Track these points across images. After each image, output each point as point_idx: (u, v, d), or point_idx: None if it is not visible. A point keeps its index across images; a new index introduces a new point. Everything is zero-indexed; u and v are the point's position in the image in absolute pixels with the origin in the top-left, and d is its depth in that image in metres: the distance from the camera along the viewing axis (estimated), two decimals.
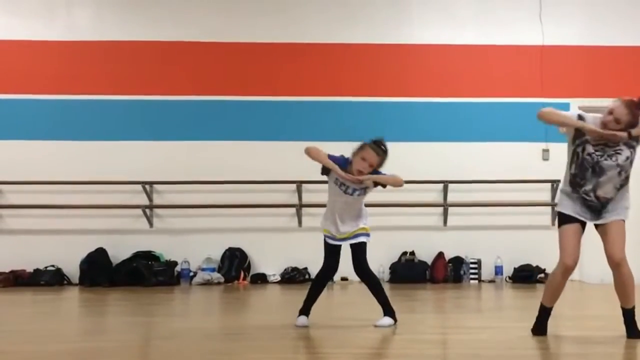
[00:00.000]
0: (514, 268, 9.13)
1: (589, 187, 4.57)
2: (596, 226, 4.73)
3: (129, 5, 9.66)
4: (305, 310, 5.21)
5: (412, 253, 9.25)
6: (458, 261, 9.20)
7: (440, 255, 9.24)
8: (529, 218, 9.33)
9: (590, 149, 4.57)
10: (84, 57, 9.51)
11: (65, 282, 9.02)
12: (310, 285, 5.38)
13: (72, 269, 9.02)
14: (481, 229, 9.32)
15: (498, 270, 9.17)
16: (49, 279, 8.84)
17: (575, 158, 4.62)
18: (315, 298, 5.26)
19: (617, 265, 4.57)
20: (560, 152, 8.60)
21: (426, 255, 9.28)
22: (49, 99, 9.44)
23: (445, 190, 9.36)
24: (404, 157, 9.40)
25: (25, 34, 9.50)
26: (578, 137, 4.62)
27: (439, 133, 9.49)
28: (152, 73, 9.55)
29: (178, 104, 9.50)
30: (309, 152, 5.24)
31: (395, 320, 5.15)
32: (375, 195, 9.24)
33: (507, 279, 9.18)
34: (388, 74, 9.59)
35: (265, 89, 9.52)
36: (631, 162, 4.57)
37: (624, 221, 4.63)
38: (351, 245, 5.25)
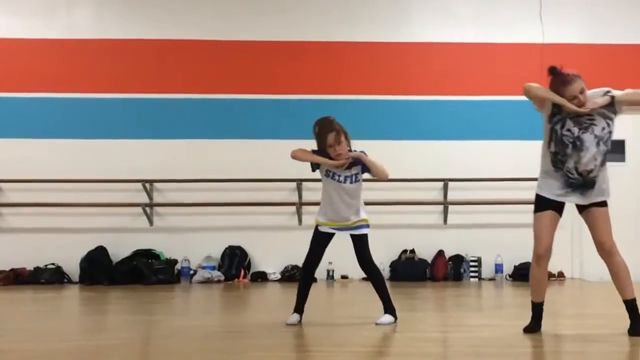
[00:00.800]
0: (514, 266, 9.13)
1: (571, 164, 4.54)
2: (580, 211, 4.69)
3: (129, 4, 9.66)
4: (298, 308, 5.18)
5: (413, 251, 9.26)
6: (458, 259, 9.21)
7: (441, 253, 9.25)
8: (529, 216, 9.16)
9: (569, 124, 4.54)
10: (85, 56, 9.52)
11: (66, 280, 9.03)
12: (299, 282, 5.36)
13: (72, 267, 9.03)
14: (481, 227, 9.32)
15: (498, 268, 9.18)
16: (49, 277, 8.85)
17: (554, 135, 4.59)
18: (306, 294, 5.21)
19: (608, 253, 4.56)
20: None
21: (426, 253, 9.29)
22: (49, 97, 9.45)
23: (445, 189, 9.36)
24: (404, 156, 9.45)
25: (26, 32, 9.50)
26: (555, 114, 4.60)
27: (439, 131, 9.50)
28: (151, 71, 9.56)
29: (178, 102, 9.50)
30: (295, 155, 5.23)
31: (396, 318, 5.14)
32: (375, 193, 9.29)
33: (508, 277, 9.19)
34: (388, 73, 9.60)
35: (265, 87, 9.53)
36: (609, 134, 4.54)
37: (605, 204, 4.62)
38: (353, 237, 5.25)
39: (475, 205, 9.26)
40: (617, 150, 9.70)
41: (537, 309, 4.67)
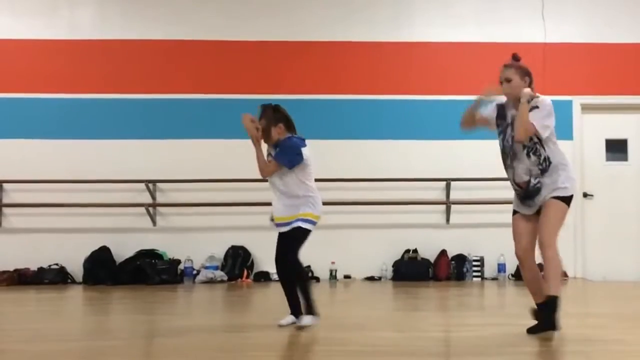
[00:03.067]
0: (517, 265, 9.11)
1: (510, 174, 4.55)
2: None
3: (131, 4, 9.68)
4: (292, 310, 5.12)
5: (415, 251, 9.26)
6: (461, 259, 9.21)
7: (443, 253, 9.24)
8: None
9: (507, 133, 4.51)
10: (87, 56, 9.53)
11: (69, 280, 9.05)
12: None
13: (75, 268, 9.05)
14: (484, 226, 9.31)
15: (501, 267, 9.18)
16: (52, 277, 8.87)
17: (500, 147, 4.63)
18: (291, 294, 5.11)
19: (540, 246, 4.44)
20: (564, 149, 8.57)
21: (429, 253, 9.29)
22: (51, 97, 9.46)
23: (447, 188, 9.36)
24: (407, 155, 9.46)
25: (28, 33, 9.52)
26: (499, 125, 4.61)
27: (441, 131, 9.49)
28: (154, 72, 9.57)
29: (180, 102, 9.51)
30: (265, 174, 5.09)
31: (311, 317, 4.92)
32: (377, 193, 9.29)
33: (510, 276, 9.18)
34: (389, 72, 9.60)
35: (268, 87, 9.51)
36: (537, 145, 4.40)
37: (560, 200, 4.44)
38: (281, 234, 5.08)
39: (478, 205, 9.26)
40: (619, 149, 9.70)
41: (539, 309, 4.61)
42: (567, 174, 4.51)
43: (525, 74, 4.56)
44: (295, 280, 5.06)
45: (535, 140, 4.44)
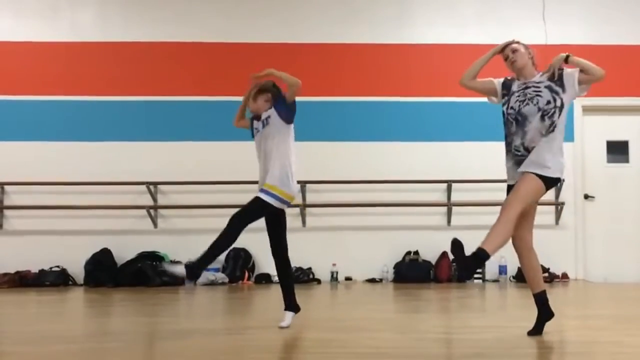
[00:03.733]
0: (518, 267, 9.11)
1: (517, 141, 4.53)
2: None
3: (133, 7, 9.69)
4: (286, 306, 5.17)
5: (416, 253, 9.26)
6: None
7: (444, 254, 9.24)
8: None
9: (513, 100, 4.56)
10: (88, 58, 9.55)
11: (70, 282, 9.05)
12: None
13: (76, 270, 9.06)
14: (485, 228, 9.15)
15: (502, 269, 9.18)
16: (53, 279, 8.87)
17: (503, 118, 4.67)
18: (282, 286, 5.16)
19: (501, 208, 4.38)
20: (565, 151, 8.55)
21: (430, 255, 9.29)
22: (52, 100, 9.48)
23: (448, 190, 9.37)
24: (408, 157, 9.47)
25: (30, 35, 9.54)
26: (504, 95, 4.67)
27: (442, 132, 9.51)
28: (155, 74, 9.59)
29: (182, 104, 9.52)
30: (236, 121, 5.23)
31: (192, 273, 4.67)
32: (379, 195, 9.29)
33: (511, 278, 9.18)
34: (391, 74, 9.61)
35: None
36: (557, 109, 4.43)
37: (536, 176, 4.38)
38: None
39: (479, 206, 9.26)
40: (620, 151, 9.70)
41: (469, 257, 4.35)
42: (553, 156, 4.46)
43: (527, 47, 4.77)
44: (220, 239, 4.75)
45: (553, 105, 4.45)
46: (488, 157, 9.36)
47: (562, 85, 4.52)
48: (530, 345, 4.36)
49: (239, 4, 9.73)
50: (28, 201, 9.25)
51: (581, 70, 4.49)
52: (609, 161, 9.67)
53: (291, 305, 5.15)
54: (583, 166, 9.55)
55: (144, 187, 9.30)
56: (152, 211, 9.35)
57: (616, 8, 9.71)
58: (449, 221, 9.44)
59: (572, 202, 9.37)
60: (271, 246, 5.09)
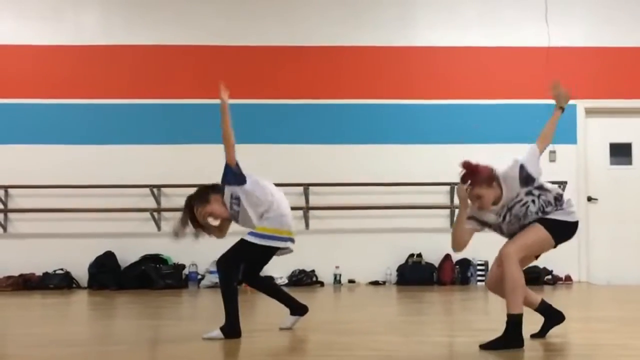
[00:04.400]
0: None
1: (514, 231, 4.47)
2: None
3: (136, 10, 9.71)
4: (290, 310, 5.23)
5: (419, 255, 9.26)
6: (465, 263, 9.21)
7: (447, 257, 9.24)
8: None
9: (492, 222, 4.52)
10: (92, 62, 9.57)
11: (74, 285, 9.07)
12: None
13: (80, 273, 9.07)
14: (488, 231, 9.28)
15: None
16: (57, 282, 8.88)
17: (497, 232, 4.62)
18: (276, 295, 5.36)
19: (501, 256, 4.38)
20: (568, 153, 8.64)
21: (433, 257, 9.29)
22: (56, 103, 9.50)
23: (451, 192, 9.36)
24: (410, 160, 9.47)
25: (33, 38, 9.57)
26: (484, 224, 4.63)
27: (444, 135, 9.50)
28: (158, 77, 9.61)
29: (185, 107, 9.54)
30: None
31: (230, 336, 4.77)
32: (381, 197, 9.29)
33: None
34: (392, 76, 9.62)
35: (270, 92, 9.55)
36: (536, 197, 4.36)
37: (540, 225, 4.34)
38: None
39: None
40: (624, 153, 9.70)
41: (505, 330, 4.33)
42: (562, 209, 4.50)
43: (489, 179, 4.42)
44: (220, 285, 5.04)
45: (536, 194, 4.38)
46: (491, 160, 9.33)
47: (526, 184, 4.37)
48: (534, 348, 4.35)
49: (240, 7, 9.72)
50: (32, 204, 9.26)
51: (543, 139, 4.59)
52: (612, 163, 9.66)
53: (295, 307, 5.14)
54: (586, 168, 9.55)
55: (147, 190, 9.31)
56: (155, 214, 9.36)
57: (619, 9, 9.69)
58: (452, 223, 9.42)
59: (575, 205, 9.33)
60: (248, 274, 5.44)
